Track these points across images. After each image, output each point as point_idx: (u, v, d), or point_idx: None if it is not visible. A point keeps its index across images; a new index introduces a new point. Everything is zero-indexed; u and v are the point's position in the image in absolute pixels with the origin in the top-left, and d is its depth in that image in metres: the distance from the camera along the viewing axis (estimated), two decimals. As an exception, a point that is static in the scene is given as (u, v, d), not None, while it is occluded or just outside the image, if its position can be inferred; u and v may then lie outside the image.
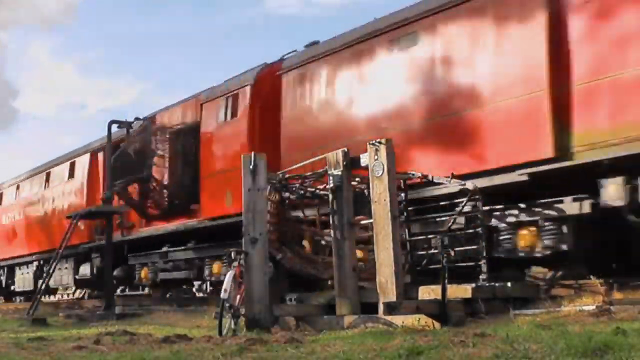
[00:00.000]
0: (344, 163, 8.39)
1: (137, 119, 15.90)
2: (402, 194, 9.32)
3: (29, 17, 47.88)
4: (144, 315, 13.18)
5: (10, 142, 61.23)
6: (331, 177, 8.46)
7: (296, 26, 58.35)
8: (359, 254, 8.89)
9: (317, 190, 9.42)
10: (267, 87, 12.97)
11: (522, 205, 8.65)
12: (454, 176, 8.80)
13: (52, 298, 22.49)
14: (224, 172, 13.15)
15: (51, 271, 15.61)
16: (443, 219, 9.26)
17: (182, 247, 14.85)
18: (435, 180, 8.90)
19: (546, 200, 8.44)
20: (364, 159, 8.18)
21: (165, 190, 15.20)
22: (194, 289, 17.93)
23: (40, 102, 67.08)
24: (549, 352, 4.21)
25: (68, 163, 19.69)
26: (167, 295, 17.76)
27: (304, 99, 12.00)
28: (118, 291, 18.45)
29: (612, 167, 7.82)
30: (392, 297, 7.50)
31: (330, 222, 8.52)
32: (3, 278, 23.74)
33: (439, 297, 7.42)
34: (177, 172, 15.01)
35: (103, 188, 15.31)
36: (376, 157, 7.94)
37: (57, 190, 20.09)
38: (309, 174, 9.33)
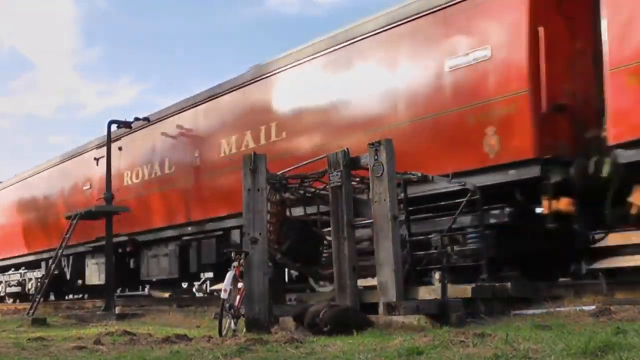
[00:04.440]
0: (344, 163, 8.39)
1: (136, 118, 15.91)
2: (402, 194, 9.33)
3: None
4: (144, 315, 13.19)
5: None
6: (331, 177, 8.46)
7: (296, 26, 58.37)
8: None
9: (318, 190, 9.42)
10: None
11: None
12: (454, 176, 8.82)
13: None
14: None
15: (51, 272, 15.62)
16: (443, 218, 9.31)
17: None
18: (435, 181, 8.92)
19: None
20: (364, 159, 8.18)
21: None
22: (194, 289, 17.98)
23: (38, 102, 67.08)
24: (549, 352, 4.20)
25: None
26: (167, 295, 17.83)
27: None
28: (118, 291, 18.65)
29: None
30: (392, 297, 7.50)
31: (330, 222, 8.52)
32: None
33: (439, 297, 7.42)
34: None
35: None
36: (376, 157, 7.94)
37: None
38: (309, 174, 9.33)
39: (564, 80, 8.53)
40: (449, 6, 9.24)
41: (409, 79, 9.78)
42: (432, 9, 9.46)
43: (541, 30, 8.39)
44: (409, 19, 9.81)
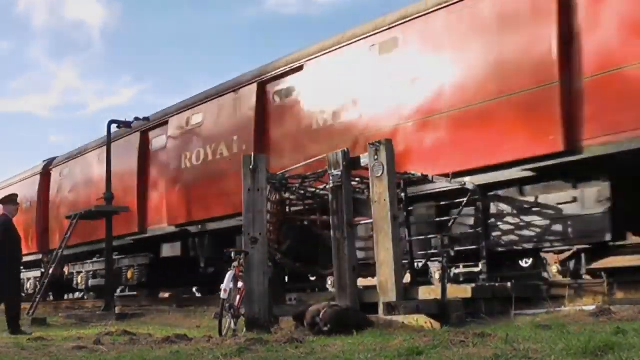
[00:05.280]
0: (344, 163, 8.39)
1: (136, 118, 15.93)
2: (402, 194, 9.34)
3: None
4: (144, 315, 13.19)
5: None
6: (331, 177, 8.46)
7: (296, 26, 58.36)
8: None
9: (318, 190, 9.42)
10: None
11: None
12: (454, 176, 8.83)
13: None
14: None
15: (50, 271, 15.61)
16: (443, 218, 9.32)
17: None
18: (435, 181, 8.92)
19: None
20: (364, 159, 8.18)
21: None
22: (194, 289, 18.00)
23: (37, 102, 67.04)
24: (549, 352, 4.20)
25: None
26: (167, 296, 17.84)
27: None
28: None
29: None
30: (392, 297, 7.50)
31: (330, 222, 8.52)
32: None
33: (439, 297, 7.42)
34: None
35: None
36: (376, 157, 7.95)
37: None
38: (309, 174, 9.33)
39: None
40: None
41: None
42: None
43: None
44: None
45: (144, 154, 16.24)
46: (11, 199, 10.22)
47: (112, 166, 15.17)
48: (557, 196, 8.46)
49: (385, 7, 52.09)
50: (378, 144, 7.98)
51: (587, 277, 8.63)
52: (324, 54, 11.43)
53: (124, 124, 16.03)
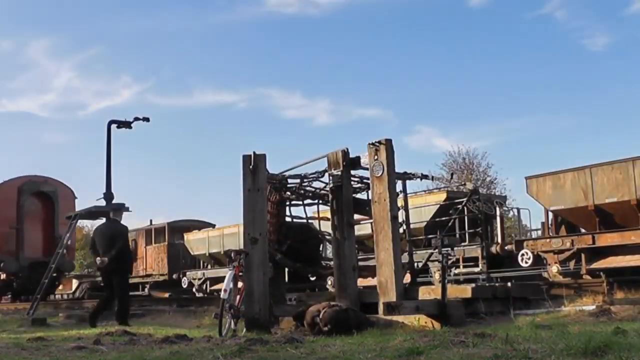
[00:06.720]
0: (344, 163, 8.38)
1: (136, 118, 15.93)
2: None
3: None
4: (144, 315, 13.19)
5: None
6: (331, 177, 8.45)
7: (295, 26, 58.33)
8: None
9: (318, 190, 9.41)
10: None
11: None
12: (452, 175, 8.84)
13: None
14: None
15: (51, 272, 15.61)
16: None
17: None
18: (434, 180, 8.94)
19: None
20: (364, 159, 8.17)
21: None
22: (194, 289, 18.01)
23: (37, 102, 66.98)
24: (549, 352, 4.20)
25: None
26: (167, 295, 17.87)
27: None
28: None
29: None
30: (392, 297, 7.50)
31: (330, 222, 8.52)
32: None
33: (439, 297, 7.42)
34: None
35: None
36: (376, 157, 7.94)
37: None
38: (309, 173, 9.32)
39: None
40: None
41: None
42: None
43: None
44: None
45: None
46: (121, 208, 11.84)
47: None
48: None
49: (383, 6, 52.16)
50: (378, 144, 7.98)
51: (587, 277, 8.65)
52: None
53: (124, 124, 16.04)
